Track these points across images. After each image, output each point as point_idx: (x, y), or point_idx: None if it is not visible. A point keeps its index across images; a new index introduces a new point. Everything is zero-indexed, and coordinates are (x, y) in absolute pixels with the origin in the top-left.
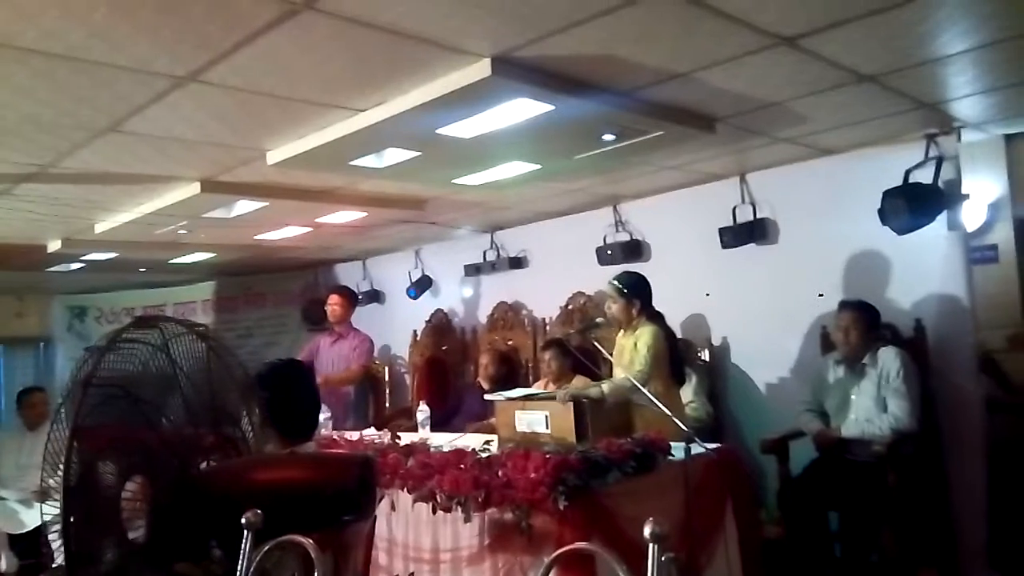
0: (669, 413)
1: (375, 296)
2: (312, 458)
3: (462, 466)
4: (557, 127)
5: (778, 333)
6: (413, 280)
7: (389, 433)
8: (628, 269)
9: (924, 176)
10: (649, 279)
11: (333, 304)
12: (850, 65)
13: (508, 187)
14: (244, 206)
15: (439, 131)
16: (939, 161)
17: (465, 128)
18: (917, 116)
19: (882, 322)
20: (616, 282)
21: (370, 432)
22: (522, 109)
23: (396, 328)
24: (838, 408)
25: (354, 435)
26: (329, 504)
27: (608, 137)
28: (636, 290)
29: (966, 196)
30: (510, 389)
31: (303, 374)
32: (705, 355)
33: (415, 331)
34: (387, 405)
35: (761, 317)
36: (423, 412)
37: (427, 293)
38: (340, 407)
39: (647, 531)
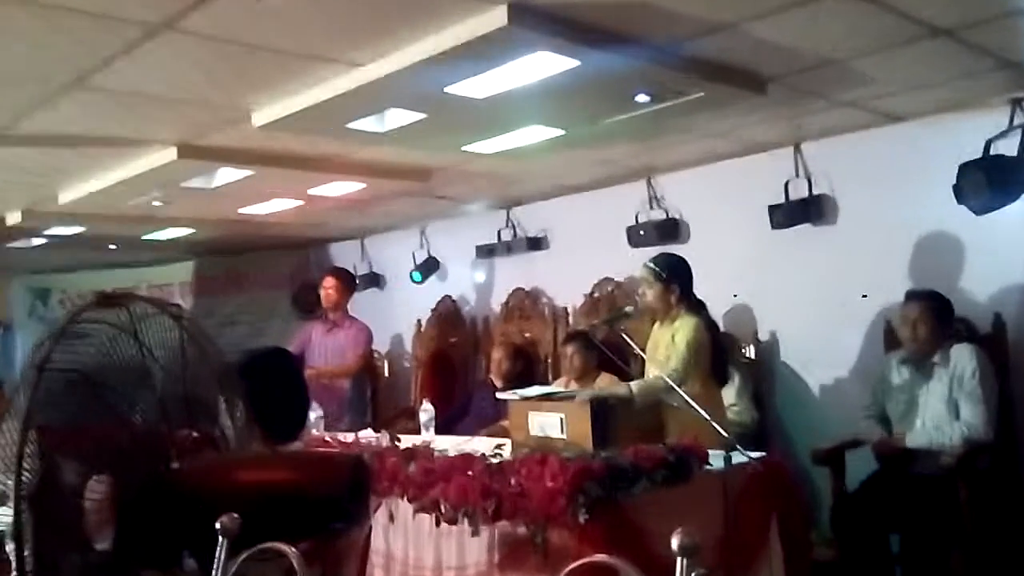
0: (708, 417)
1: (374, 280)
2: (298, 458)
3: (470, 473)
4: (583, 86)
5: (835, 327)
6: (418, 262)
7: (388, 435)
8: (662, 253)
9: (1007, 147)
10: None
11: (327, 288)
12: (923, 17)
13: (526, 156)
14: (227, 175)
15: (448, 89)
16: None
17: (477, 86)
18: (1001, 77)
19: (955, 316)
20: (652, 265)
21: (367, 434)
22: (543, 64)
23: (398, 317)
24: (903, 414)
25: (349, 437)
26: (316, 510)
27: (642, 98)
28: (676, 274)
29: None
30: (526, 387)
31: (290, 365)
32: (750, 352)
33: (419, 320)
34: (387, 404)
35: (816, 309)
36: (427, 412)
37: (433, 277)
38: (334, 405)
39: (675, 543)
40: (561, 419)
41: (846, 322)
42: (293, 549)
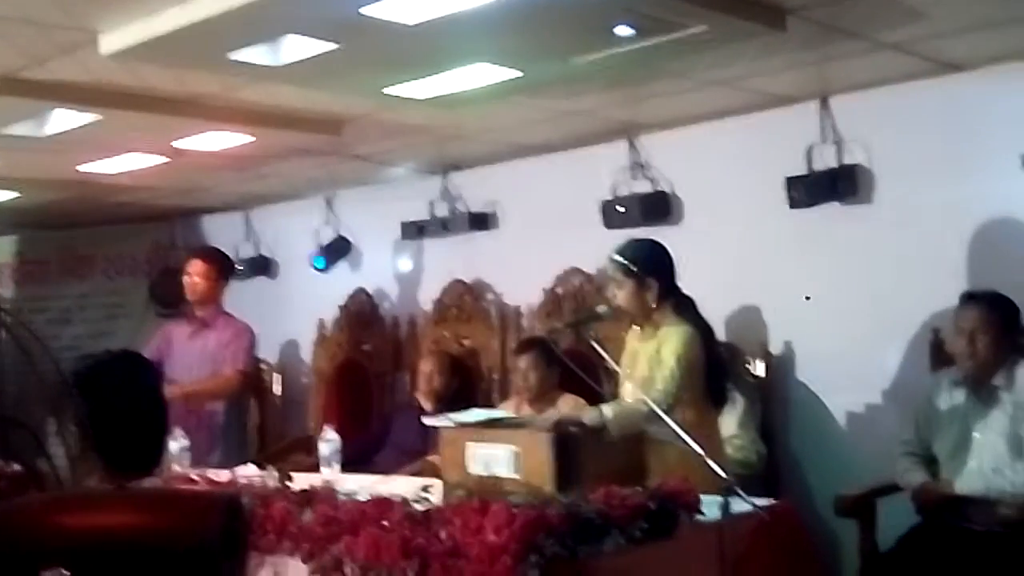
0: (701, 452)
1: (263, 266)
2: (150, 496)
3: (385, 523)
4: (549, 12)
5: (868, 339)
6: (322, 243)
7: (276, 472)
8: (644, 236)
9: None
10: (678, 252)
11: (193, 275)
12: None
13: (470, 104)
14: (64, 119)
15: (365, 10)
16: None
17: (407, 7)
18: None
19: (1023, 326)
20: (619, 257)
21: (248, 470)
22: None
23: (294, 316)
24: (953, 451)
25: (222, 474)
26: (175, 566)
27: (624, 31)
28: (653, 268)
29: None
30: (464, 411)
31: (144, 376)
32: (758, 369)
33: (322, 321)
34: (277, 432)
35: (844, 314)
36: (330, 442)
37: (343, 264)
38: (203, 433)
39: None
40: (513, 453)
41: (882, 332)
42: None
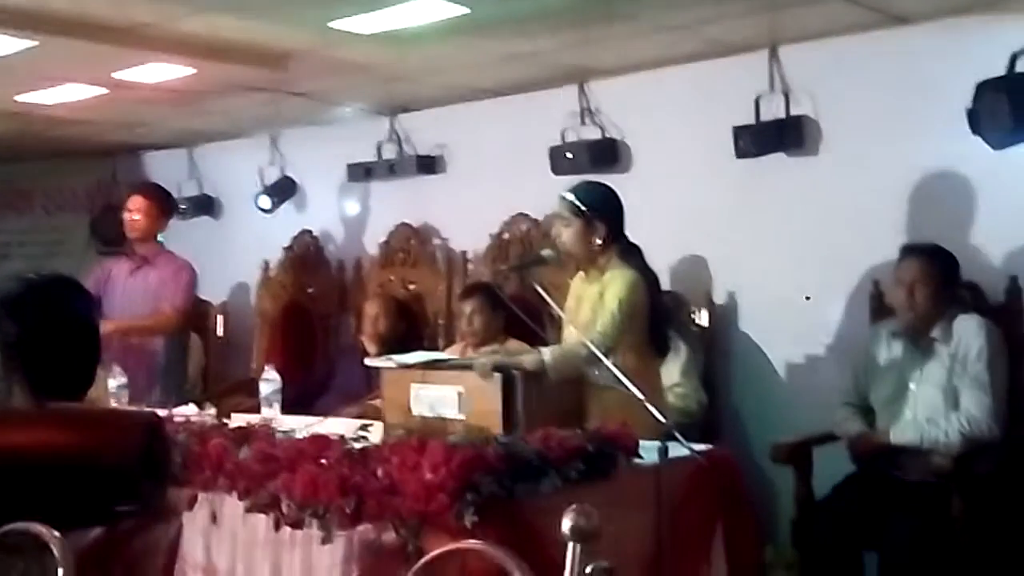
0: (642, 397)
1: (205, 205)
2: (72, 415)
3: (323, 461)
4: None
5: (811, 289)
6: (267, 183)
7: (215, 410)
8: (594, 180)
9: None
10: (626, 200)
11: (133, 211)
12: None
13: (418, 42)
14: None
15: None
16: None
17: None
18: None
19: (961, 279)
20: (571, 196)
21: (186, 409)
22: None
23: (238, 256)
24: (890, 401)
25: (160, 413)
26: (93, 484)
27: None
28: (602, 210)
29: None
30: (408, 353)
31: (78, 302)
32: (702, 318)
33: (266, 262)
34: (220, 373)
35: (788, 264)
36: (270, 382)
37: (288, 204)
38: (142, 371)
39: (566, 524)
40: (459, 393)
41: (824, 283)
42: (55, 534)
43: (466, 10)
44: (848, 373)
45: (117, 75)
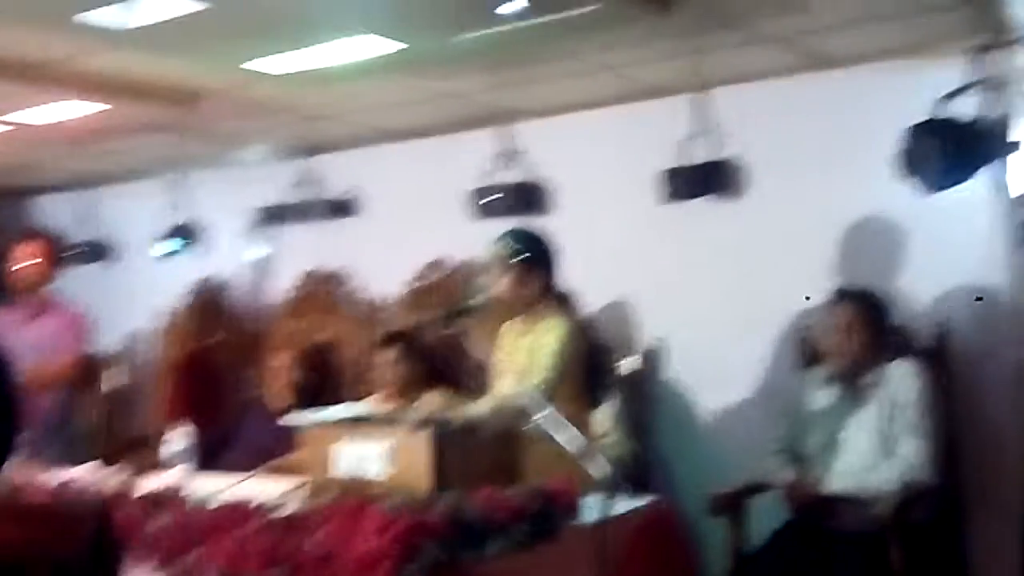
0: (582, 449)
1: (98, 251)
2: (6, 506)
3: (246, 530)
4: None
5: (739, 335)
6: (168, 227)
7: (122, 472)
8: (516, 226)
9: (963, 108)
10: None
11: (20, 260)
12: None
13: (345, 80)
14: None
15: None
16: (990, 88)
17: None
18: (965, 15)
19: (892, 323)
20: (506, 242)
21: (86, 470)
22: None
23: (135, 304)
24: (824, 449)
25: (58, 475)
26: None
27: (517, 6)
28: (535, 257)
29: (1015, 146)
30: (323, 407)
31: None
32: (629, 365)
33: (167, 311)
34: (116, 428)
35: (715, 310)
36: (182, 440)
37: (190, 250)
38: (36, 427)
39: None
40: (386, 451)
41: (752, 329)
42: None
43: (403, 46)
44: (779, 419)
45: (15, 117)
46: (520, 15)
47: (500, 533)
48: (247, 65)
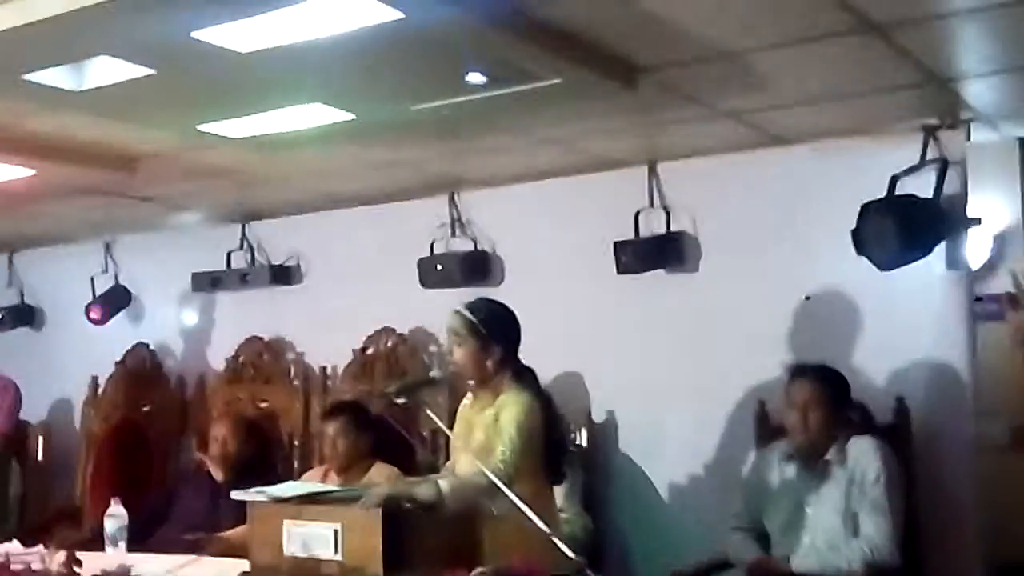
0: (547, 530)
1: (26, 316)
2: None
3: None
4: (399, 51)
5: (694, 408)
6: (98, 293)
7: (60, 553)
8: (463, 296)
9: (916, 187)
10: None
11: None
12: (859, 4)
13: (289, 147)
14: None
15: (197, 34)
16: (943, 167)
17: (244, 34)
18: (918, 96)
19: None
20: (466, 312)
21: (14, 547)
22: (353, 9)
23: (61, 371)
24: (786, 526)
25: None
26: None
27: (475, 79)
28: (499, 329)
29: (975, 221)
30: (260, 480)
31: None
32: (581, 438)
33: (95, 378)
34: (38, 501)
35: (668, 383)
36: (116, 518)
37: (122, 316)
38: None
39: None
40: (335, 531)
41: (706, 403)
42: None
43: (351, 116)
44: (738, 496)
45: None
46: (478, 88)
47: None
48: (201, 127)
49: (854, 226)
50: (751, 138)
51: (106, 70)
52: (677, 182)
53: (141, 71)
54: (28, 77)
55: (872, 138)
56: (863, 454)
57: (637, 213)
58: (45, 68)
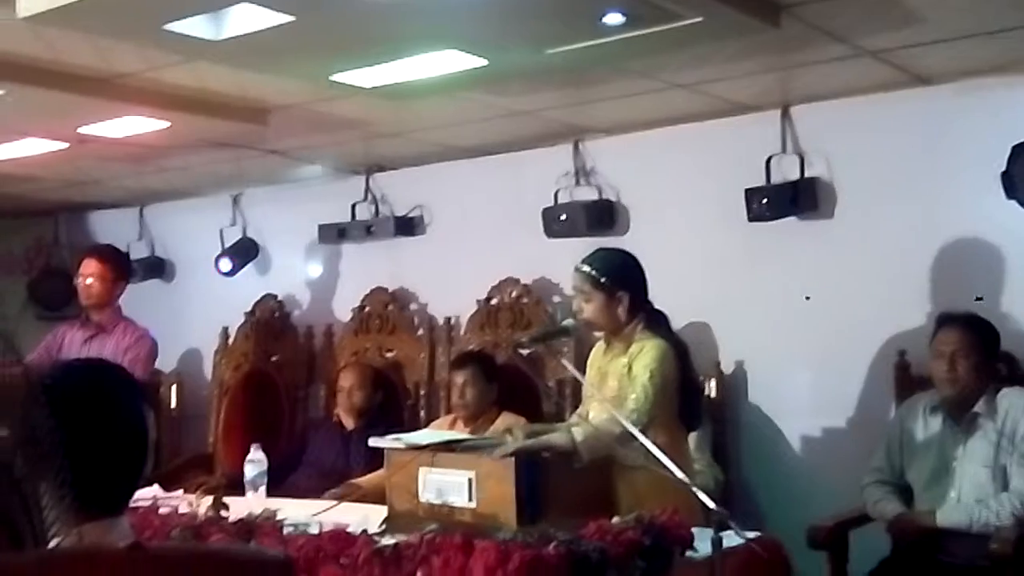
0: (687, 480)
1: (157, 268)
2: (181, 561)
3: (345, 561)
4: None
5: (828, 360)
6: (227, 245)
7: (203, 498)
8: (589, 246)
9: None
10: None
11: (88, 276)
12: None
13: (418, 96)
14: None
15: None
16: None
17: None
18: None
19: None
20: (589, 267)
21: (152, 493)
22: None
23: (192, 322)
24: (931, 480)
25: (139, 499)
26: None
27: (613, 19)
28: (622, 278)
29: None
30: (387, 428)
31: (126, 388)
32: (709, 389)
33: (226, 329)
34: (173, 448)
35: (800, 333)
36: (255, 463)
37: (250, 267)
38: None
39: None
40: (470, 480)
41: (842, 353)
42: None
43: (484, 62)
44: (878, 449)
45: (83, 130)
46: (615, 29)
47: (616, 568)
48: (336, 76)
49: (1003, 168)
50: (892, 78)
51: (246, 18)
52: (811, 126)
53: (281, 18)
54: (168, 27)
55: (1020, 75)
56: (1015, 406)
57: (769, 159)
58: (186, 17)
